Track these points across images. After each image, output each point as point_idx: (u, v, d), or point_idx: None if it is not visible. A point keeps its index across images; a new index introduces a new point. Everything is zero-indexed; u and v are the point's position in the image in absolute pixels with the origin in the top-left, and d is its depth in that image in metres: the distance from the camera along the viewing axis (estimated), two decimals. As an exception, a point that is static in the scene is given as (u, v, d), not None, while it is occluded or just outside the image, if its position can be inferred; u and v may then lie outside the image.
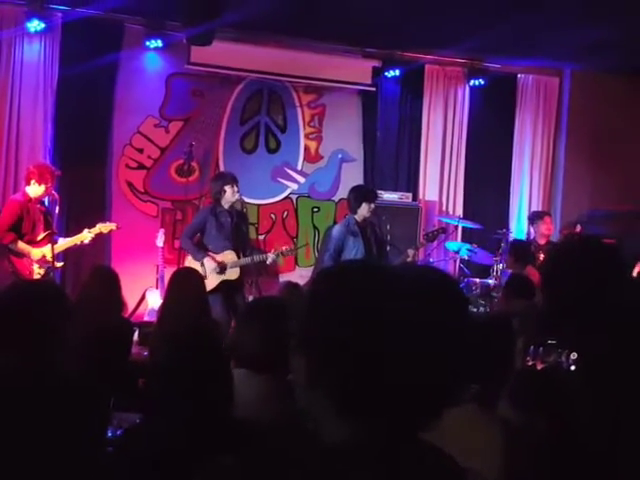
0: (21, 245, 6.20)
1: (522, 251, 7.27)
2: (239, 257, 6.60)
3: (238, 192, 6.67)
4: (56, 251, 6.31)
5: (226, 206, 6.67)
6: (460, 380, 1.52)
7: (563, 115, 9.40)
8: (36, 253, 6.24)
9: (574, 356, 2.92)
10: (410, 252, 6.91)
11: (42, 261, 6.24)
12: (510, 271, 7.12)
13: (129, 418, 2.94)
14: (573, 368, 2.94)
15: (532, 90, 9.30)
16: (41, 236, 6.33)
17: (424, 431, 1.26)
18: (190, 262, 6.63)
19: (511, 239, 7.83)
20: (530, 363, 3.19)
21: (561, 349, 3.11)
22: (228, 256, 6.57)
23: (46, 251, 6.24)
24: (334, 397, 1.22)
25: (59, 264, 6.60)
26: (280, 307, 3.09)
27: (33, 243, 6.28)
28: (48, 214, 6.46)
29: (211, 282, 6.35)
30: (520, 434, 2.15)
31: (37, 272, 6.22)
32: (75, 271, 7.29)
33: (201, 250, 6.63)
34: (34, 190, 6.30)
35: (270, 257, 6.74)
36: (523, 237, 8.66)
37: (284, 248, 7.00)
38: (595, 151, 9.21)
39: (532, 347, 3.21)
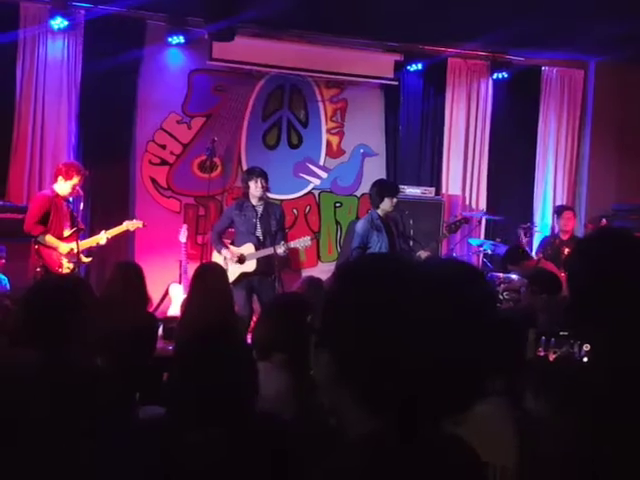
0: (50, 239, 6.28)
1: (514, 254, 7.21)
2: (257, 250, 6.61)
3: (262, 187, 6.63)
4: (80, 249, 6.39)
5: (253, 201, 6.67)
6: (485, 373, 1.51)
7: (588, 108, 9.31)
8: (64, 247, 6.31)
9: (586, 347, 2.90)
10: (423, 254, 6.79)
11: (70, 255, 6.30)
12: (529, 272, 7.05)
13: (154, 411, 2.96)
14: (585, 360, 2.93)
15: (556, 83, 9.22)
16: (67, 233, 6.40)
17: (451, 422, 1.26)
18: (216, 257, 6.70)
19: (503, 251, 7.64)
20: (542, 354, 3.17)
21: (573, 340, 3.09)
22: (246, 249, 6.62)
23: (74, 247, 6.31)
24: (359, 390, 1.22)
25: (87, 259, 6.67)
26: (301, 303, 3.11)
27: (60, 239, 6.35)
28: (73, 212, 6.53)
29: (230, 274, 6.40)
30: (540, 426, 2.14)
31: (67, 266, 6.29)
32: (99, 266, 7.35)
33: (221, 243, 6.73)
34: (61, 187, 6.37)
35: (280, 248, 6.51)
36: (548, 231, 8.60)
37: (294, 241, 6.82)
38: (620, 144, 9.11)
39: (544, 338, 3.19)
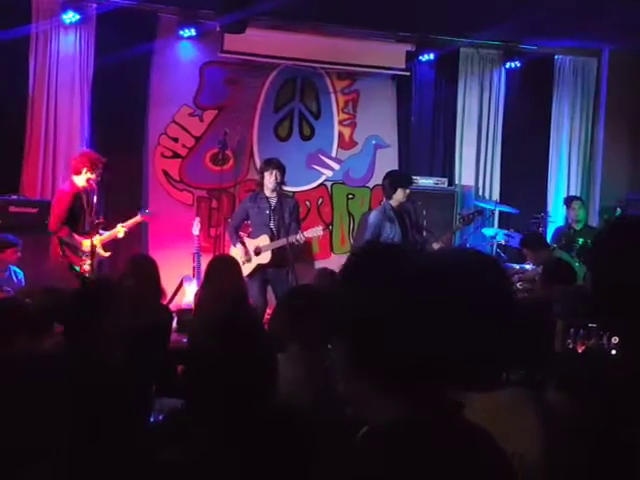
0: (74, 238, 6.30)
1: (533, 240, 7.16)
2: (272, 241, 6.61)
3: (276, 179, 6.59)
4: (100, 242, 6.46)
5: (267, 192, 6.66)
6: (501, 360, 1.50)
7: (601, 97, 9.24)
8: (86, 244, 6.33)
9: (615, 340, 2.88)
10: (436, 244, 6.82)
11: (90, 251, 6.32)
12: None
13: (170, 403, 2.97)
14: (614, 352, 2.91)
15: (569, 72, 9.15)
16: (87, 227, 6.42)
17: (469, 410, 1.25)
18: (234, 251, 6.72)
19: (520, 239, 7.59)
20: (571, 346, 3.16)
21: (602, 332, 3.08)
22: (261, 241, 6.62)
23: (95, 242, 6.34)
24: (379, 378, 1.21)
25: (106, 254, 6.69)
26: (315, 295, 3.11)
27: (81, 234, 6.38)
28: (93, 205, 6.55)
29: (246, 267, 6.41)
30: (563, 418, 2.13)
31: (88, 263, 6.30)
32: (113, 259, 7.37)
33: (237, 237, 6.73)
34: (83, 179, 6.36)
35: (298, 234, 6.54)
36: (562, 221, 8.55)
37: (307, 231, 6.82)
38: (634, 133, 9.04)
39: (572, 330, 3.18)
